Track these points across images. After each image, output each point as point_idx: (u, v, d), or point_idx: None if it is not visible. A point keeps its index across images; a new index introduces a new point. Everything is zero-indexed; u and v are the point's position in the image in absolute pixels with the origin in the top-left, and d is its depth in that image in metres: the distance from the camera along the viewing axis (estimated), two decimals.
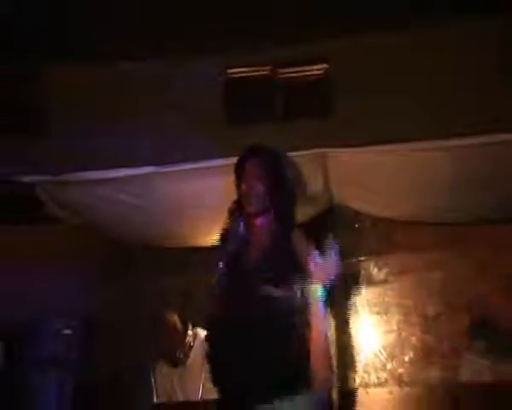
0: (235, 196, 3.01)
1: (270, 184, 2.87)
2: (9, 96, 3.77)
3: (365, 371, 4.42)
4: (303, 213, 3.57)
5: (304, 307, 2.66)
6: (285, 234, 2.77)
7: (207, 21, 3.54)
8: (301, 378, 2.60)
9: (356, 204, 4.26)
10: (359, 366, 4.44)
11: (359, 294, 4.53)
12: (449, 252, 4.33)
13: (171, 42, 3.68)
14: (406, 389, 4.29)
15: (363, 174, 3.99)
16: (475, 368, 3.93)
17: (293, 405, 2.50)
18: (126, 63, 3.79)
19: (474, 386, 3.93)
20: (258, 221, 2.85)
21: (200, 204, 3.84)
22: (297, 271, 2.65)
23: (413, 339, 4.39)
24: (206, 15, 3.50)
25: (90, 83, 3.83)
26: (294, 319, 2.63)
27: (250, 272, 2.69)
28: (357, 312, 4.52)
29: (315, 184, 3.89)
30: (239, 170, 3.02)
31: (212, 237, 3.17)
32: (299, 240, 2.73)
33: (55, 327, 4.28)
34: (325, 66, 3.87)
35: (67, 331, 4.25)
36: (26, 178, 3.72)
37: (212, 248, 3.10)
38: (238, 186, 2.98)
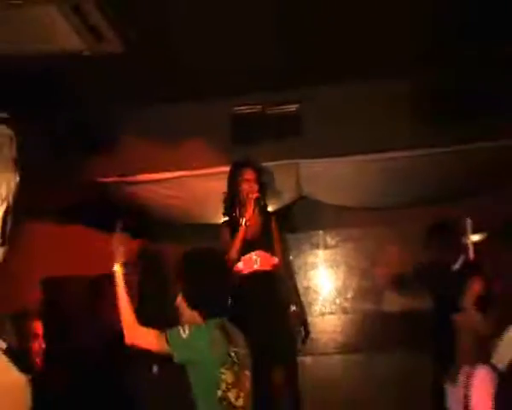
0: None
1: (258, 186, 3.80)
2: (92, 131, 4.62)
3: (322, 305, 5.29)
4: (279, 202, 4.63)
5: None
6: (266, 218, 3.79)
7: (219, 76, 4.33)
8: None
9: (319, 196, 5.00)
10: (318, 301, 5.31)
11: (318, 254, 5.38)
12: (381, 228, 5.17)
13: (196, 89, 4.47)
14: (349, 316, 5.16)
15: (325, 176, 4.81)
16: (392, 302, 4.84)
17: None
18: (167, 105, 4.65)
19: (391, 314, 4.82)
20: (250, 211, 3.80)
21: (215, 196, 4.49)
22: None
23: (354, 283, 5.28)
24: (218, 71, 4.29)
25: (143, 120, 4.70)
26: None
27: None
28: (317, 266, 5.40)
29: (290, 183, 4.76)
30: (238, 175, 3.93)
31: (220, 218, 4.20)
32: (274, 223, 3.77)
33: None
34: (298, 105, 4.69)
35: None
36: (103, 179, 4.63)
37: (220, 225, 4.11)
38: (235, 186, 3.96)
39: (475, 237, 4.59)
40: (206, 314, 2.83)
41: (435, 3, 3.57)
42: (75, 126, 4.59)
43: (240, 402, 2.81)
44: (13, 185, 1.21)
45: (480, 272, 2.79)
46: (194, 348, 2.77)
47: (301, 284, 5.21)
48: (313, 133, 4.65)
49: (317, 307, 5.33)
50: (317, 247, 5.47)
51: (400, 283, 4.65)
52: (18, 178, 1.21)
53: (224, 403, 2.78)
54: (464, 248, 4.42)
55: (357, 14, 3.72)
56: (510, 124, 4.27)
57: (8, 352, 1.26)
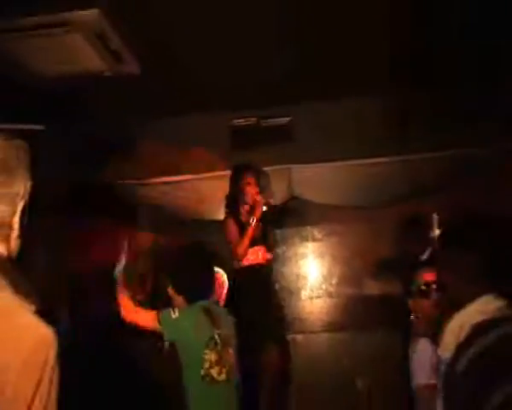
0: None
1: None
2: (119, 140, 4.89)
3: (310, 290, 5.50)
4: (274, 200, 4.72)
5: None
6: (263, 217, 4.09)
7: (220, 94, 4.53)
8: None
9: (308, 196, 5.22)
10: (307, 287, 5.52)
11: (307, 246, 5.59)
12: (361, 223, 5.34)
13: (201, 104, 4.69)
14: (334, 299, 5.36)
15: (313, 179, 5.04)
16: (370, 287, 5.05)
17: None
18: (175, 118, 4.88)
19: (370, 297, 5.06)
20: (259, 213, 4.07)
21: (217, 196, 4.73)
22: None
23: (337, 271, 5.45)
24: (219, 90, 4.47)
25: (156, 131, 4.94)
26: None
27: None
28: (306, 256, 5.60)
29: (282, 185, 5.02)
30: (241, 178, 4.15)
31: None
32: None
33: None
34: (288, 118, 4.95)
35: None
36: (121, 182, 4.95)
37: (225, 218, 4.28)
38: (238, 187, 4.13)
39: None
40: (190, 299, 3.04)
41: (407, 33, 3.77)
42: (98, 136, 4.87)
43: (222, 377, 2.93)
44: (28, 187, 1.34)
45: (430, 263, 2.89)
46: (181, 329, 2.95)
47: (292, 271, 5.47)
48: (303, 142, 4.90)
49: (305, 292, 5.51)
50: (306, 240, 5.62)
51: (377, 271, 4.87)
52: (31, 182, 1.34)
53: (207, 379, 2.91)
54: (431, 241, 4.51)
55: (339, 43, 3.94)
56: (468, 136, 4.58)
57: (37, 312, 1.26)
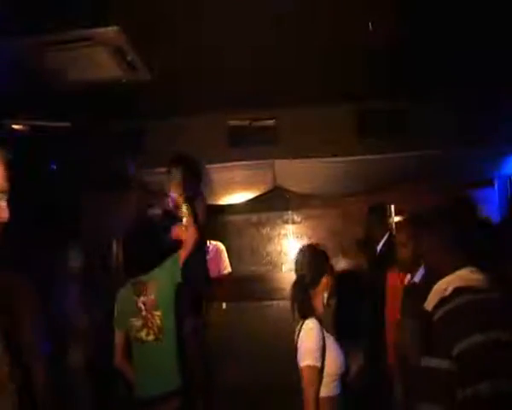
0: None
1: None
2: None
3: (290, 264, 5.44)
4: (260, 190, 4.96)
5: None
6: None
7: (219, 100, 4.55)
8: None
9: (289, 186, 5.32)
10: (287, 261, 5.62)
11: (288, 228, 5.72)
12: (332, 209, 5.52)
13: (203, 108, 4.75)
14: None
15: (293, 172, 5.08)
16: (336, 262, 5.11)
17: None
18: (180, 118, 4.94)
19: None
20: None
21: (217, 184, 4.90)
22: None
23: None
24: (219, 97, 4.47)
25: (163, 132, 4.93)
26: None
27: None
28: (287, 236, 5.76)
29: (268, 176, 5.11)
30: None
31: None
32: None
33: None
34: (273, 121, 4.99)
35: None
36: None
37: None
38: None
39: (397, 218, 4.75)
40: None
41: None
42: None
43: (151, 337, 2.90)
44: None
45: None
46: (117, 307, 3.07)
47: (276, 248, 5.67)
48: (285, 141, 4.96)
49: (286, 265, 5.64)
50: (287, 222, 5.75)
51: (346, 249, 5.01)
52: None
53: (138, 343, 2.94)
54: (389, 226, 4.65)
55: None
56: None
57: None
